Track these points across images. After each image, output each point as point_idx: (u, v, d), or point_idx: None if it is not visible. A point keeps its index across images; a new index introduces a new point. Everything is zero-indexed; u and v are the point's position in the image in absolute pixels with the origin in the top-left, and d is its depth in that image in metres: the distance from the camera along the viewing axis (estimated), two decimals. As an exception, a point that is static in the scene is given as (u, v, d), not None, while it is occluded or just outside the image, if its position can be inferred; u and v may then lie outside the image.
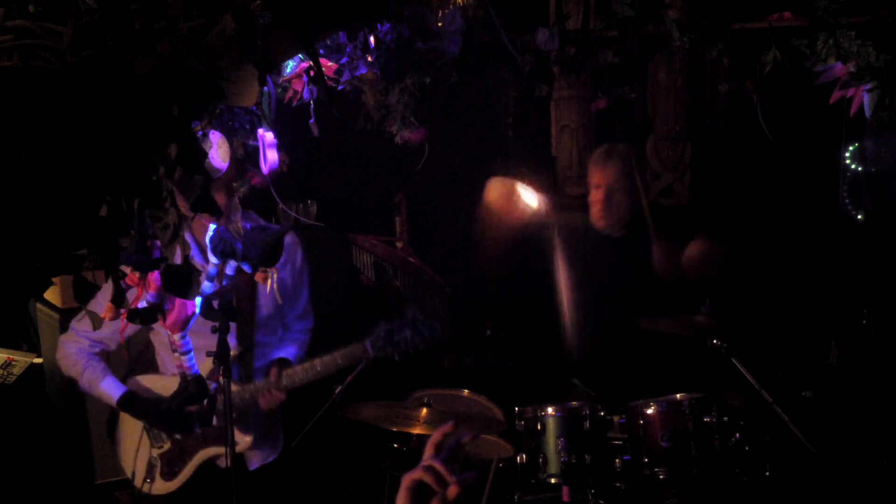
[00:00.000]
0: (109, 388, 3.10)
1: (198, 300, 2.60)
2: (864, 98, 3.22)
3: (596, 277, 3.72)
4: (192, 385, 2.67)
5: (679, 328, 3.38)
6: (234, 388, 3.08)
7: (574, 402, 3.41)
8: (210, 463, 3.14)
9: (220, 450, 3.07)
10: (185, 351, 2.69)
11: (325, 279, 4.43)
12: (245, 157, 3.31)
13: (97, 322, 2.90)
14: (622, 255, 3.69)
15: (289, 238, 3.28)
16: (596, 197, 3.59)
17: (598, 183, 3.59)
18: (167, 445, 3.12)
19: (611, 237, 3.69)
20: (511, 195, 3.64)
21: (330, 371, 3.12)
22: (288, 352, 3.22)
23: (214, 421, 3.08)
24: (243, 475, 3.18)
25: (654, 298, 3.66)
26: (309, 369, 3.10)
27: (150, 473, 3.13)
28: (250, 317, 3.17)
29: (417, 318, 3.09)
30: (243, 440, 3.10)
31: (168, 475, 3.12)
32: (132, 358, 3.15)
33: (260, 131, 3.20)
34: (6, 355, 3.58)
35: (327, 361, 3.11)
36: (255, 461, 3.22)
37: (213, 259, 2.57)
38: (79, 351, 3.14)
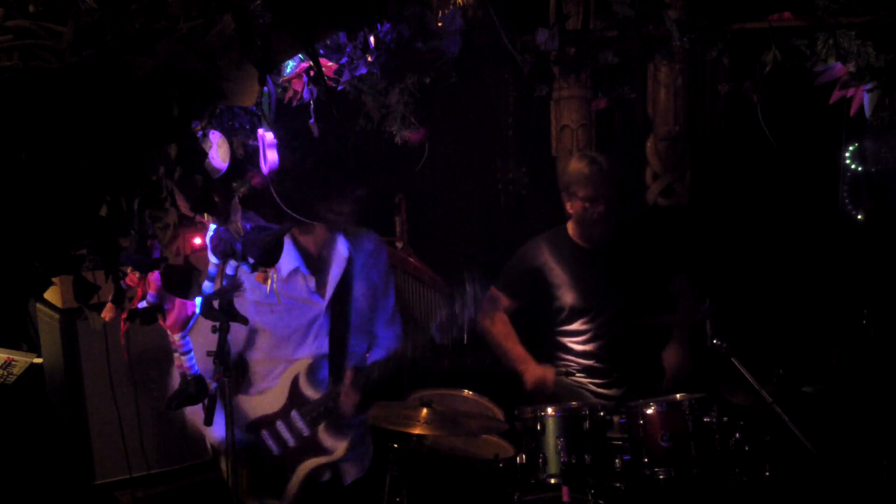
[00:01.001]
0: None
1: (198, 300, 2.59)
2: (864, 98, 3.22)
3: (589, 286, 3.74)
4: (192, 385, 2.66)
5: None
6: (318, 395, 3.08)
7: (574, 402, 3.42)
8: (312, 479, 3.14)
9: (321, 459, 3.10)
10: (185, 351, 2.68)
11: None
12: (245, 157, 3.30)
13: (97, 322, 2.89)
14: (606, 265, 3.74)
15: (373, 239, 3.28)
16: (596, 211, 3.63)
17: (593, 197, 3.63)
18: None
19: (593, 250, 3.75)
20: None
21: (402, 364, 3.17)
22: (376, 355, 3.24)
23: (293, 442, 3.10)
24: (339, 490, 3.19)
25: (646, 301, 3.70)
26: (382, 366, 3.12)
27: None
28: (344, 324, 3.16)
29: (478, 294, 3.10)
30: (340, 446, 3.10)
31: (275, 494, 3.12)
32: (132, 359, 3.14)
33: (260, 131, 3.20)
34: (6, 355, 3.57)
35: (399, 356, 3.14)
36: (349, 475, 3.23)
37: (213, 259, 2.57)
38: None
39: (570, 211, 3.75)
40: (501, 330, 3.85)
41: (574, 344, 3.79)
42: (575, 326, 3.78)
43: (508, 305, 3.89)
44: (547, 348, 3.84)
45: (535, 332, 3.89)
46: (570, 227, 3.79)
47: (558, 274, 3.78)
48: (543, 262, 3.80)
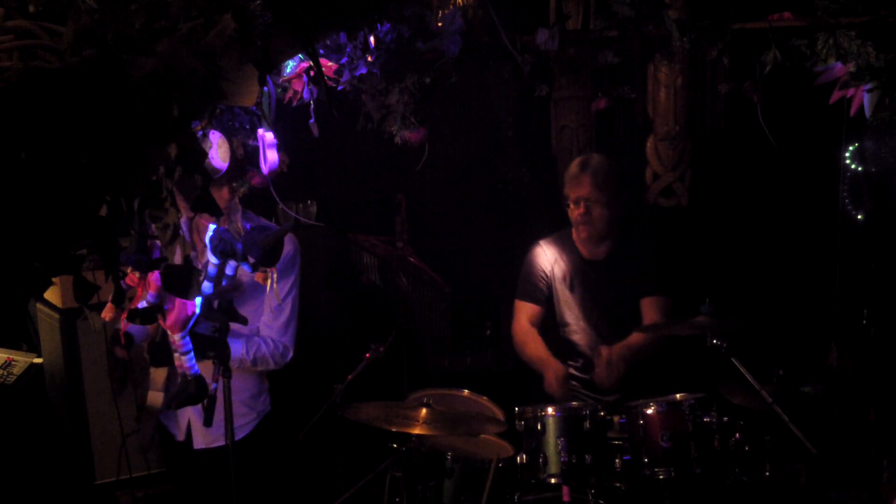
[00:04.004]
0: None
1: (198, 300, 2.60)
2: (864, 98, 3.22)
3: (589, 294, 3.73)
4: (192, 385, 2.66)
5: (679, 328, 3.39)
6: None
7: (574, 402, 3.41)
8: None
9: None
10: (185, 351, 2.69)
11: (324, 279, 4.42)
12: (245, 157, 3.31)
13: (97, 322, 2.90)
14: (607, 277, 3.72)
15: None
16: (577, 212, 3.63)
17: (576, 198, 3.63)
18: None
19: (594, 261, 3.74)
20: None
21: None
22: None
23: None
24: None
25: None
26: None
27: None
28: None
29: None
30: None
31: None
32: (132, 358, 3.15)
33: (260, 131, 3.21)
34: (6, 355, 3.58)
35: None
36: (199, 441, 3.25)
37: (213, 259, 2.57)
38: None
39: (572, 214, 3.75)
40: (524, 340, 3.77)
41: (573, 354, 3.79)
42: (572, 337, 3.78)
43: (533, 313, 3.81)
44: (558, 353, 3.83)
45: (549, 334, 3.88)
46: (573, 232, 3.79)
47: (559, 280, 3.78)
48: (548, 264, 3.79)
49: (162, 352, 2.86)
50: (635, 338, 3.62)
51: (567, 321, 3.79)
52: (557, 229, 3.88)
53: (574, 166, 3.70)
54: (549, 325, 3.85)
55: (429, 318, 4.33)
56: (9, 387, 3.48)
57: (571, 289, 3.75)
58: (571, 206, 3.66)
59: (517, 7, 3.62)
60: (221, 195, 3.09)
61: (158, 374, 3.13)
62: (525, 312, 3.82)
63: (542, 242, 3.85)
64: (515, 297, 3.86)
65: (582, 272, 3.75)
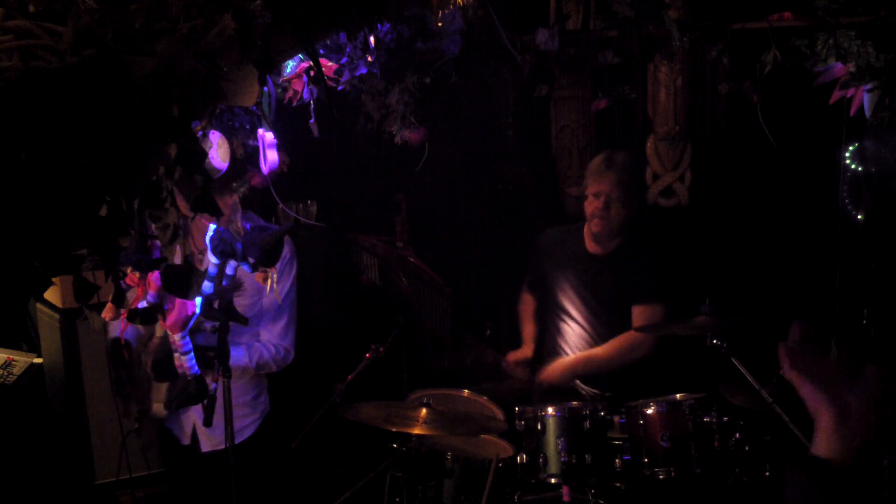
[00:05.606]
0: None
1: (198, 300, 2.60)
2: (864, 98, 3.22)
3: (587, 290, 3.74)
4: (192, 385, 2.66)
5: (679, 328, 3.39)
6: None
7: (574, 402, 3.41)
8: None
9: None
10: (185, 351, 2.69)
11: (325, 279, 4.42)
12: (245, 157, 3.31)
13: (97, 322, 2.90)
14: (608, 276, 3.73)
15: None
16: (595, 205, 3.63)
17: (597, 192, 3.63)
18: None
19: (598, 255, 3.74)
20: None
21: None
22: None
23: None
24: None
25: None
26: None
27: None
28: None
29: None
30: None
31: None
32: (132, 358, 3.15)
33: (260, 131, 3.20)
34: (6, 355, 3.57)
35: None
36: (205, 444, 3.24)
37: (213, 259, 2.57)
38: None
39: (589, 208, 3.74)
40: (521, 321, 4.00)
41: (566, 346, 3.79)
42: (567, 328, 3.78)
43: (529, 300, 4.01)
44: (549, 342, 3.84)
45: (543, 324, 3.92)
46: (586, 226, 3.79)
47: (557, 270, 3.78)
48: (550, 251, 3.81)
49: (166, 367, 2.84)
50: (596, 352, 3.69)
51: (562, 310, 3.79)
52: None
53: (598, 161, 3.71)
54: (550, 310, 3.88)
55: (429, 318, 4.33)
56: (9, 387, 3.47)
57: (568, 281, 3.76)
58: (591, 198, 3.66)
59: (517, 7, 3.62)
60: (225, 201, 3.08)
61: (163, 385, 3.13)
62: (524, 297, 4.04)
63: (548, 231, 3.90)
64: (523, 284, 4.05)
65: (583, 267, 3.75)
